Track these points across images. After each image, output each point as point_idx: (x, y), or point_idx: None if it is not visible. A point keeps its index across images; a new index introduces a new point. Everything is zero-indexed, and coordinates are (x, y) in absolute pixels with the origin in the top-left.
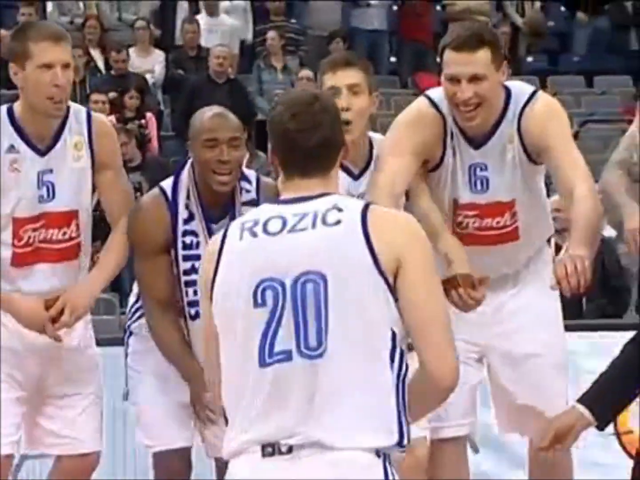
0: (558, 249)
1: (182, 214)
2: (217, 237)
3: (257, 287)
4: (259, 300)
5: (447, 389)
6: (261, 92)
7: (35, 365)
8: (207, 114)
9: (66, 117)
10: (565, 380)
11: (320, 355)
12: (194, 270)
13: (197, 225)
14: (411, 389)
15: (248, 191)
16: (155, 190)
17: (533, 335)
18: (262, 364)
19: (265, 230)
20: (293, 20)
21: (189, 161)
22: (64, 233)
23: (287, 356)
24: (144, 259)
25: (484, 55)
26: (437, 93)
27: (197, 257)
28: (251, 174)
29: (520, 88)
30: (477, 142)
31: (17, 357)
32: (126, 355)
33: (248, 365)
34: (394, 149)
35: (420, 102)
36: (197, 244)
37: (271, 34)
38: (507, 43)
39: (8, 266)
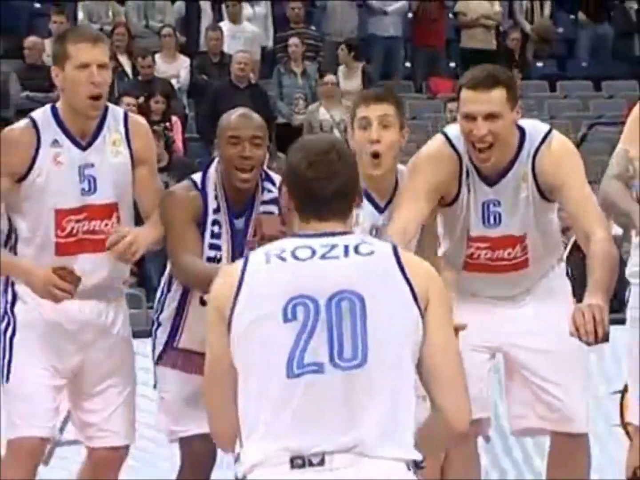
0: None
1: (212, 203)
2: (235, 265)
3: (287, 304)
4: (289, 316)
5: (461, 434)
6: (281, 97)
7: (74, 352)
8: (233, 114)
9: (105, 115)
10: (583, 380)
11: (358, 366)
12: (215, 260)
13: (222, 217)
14: (423, 431)
15: (270, 191)
16: (186, 181)
17: (546, 337)
18: (291, 375)
19: (294, 256)
20: (312, 28)
21: (216, 159)
22: (106, 224)
23: (319, 368)
24: (174, 235)
25: (499, 94)
26: (454, 131)
27: (219, 248)
28: (275, 176)
29: (535, 127)
30: (491, 180)
31: (56, 346)
32: (154, 346)
33: (273, 377)
34: (411, 193)
35: (438, 141)
36: (220, 235)
37: (293, 40)
38: (518, 49)
39: (53, 256)
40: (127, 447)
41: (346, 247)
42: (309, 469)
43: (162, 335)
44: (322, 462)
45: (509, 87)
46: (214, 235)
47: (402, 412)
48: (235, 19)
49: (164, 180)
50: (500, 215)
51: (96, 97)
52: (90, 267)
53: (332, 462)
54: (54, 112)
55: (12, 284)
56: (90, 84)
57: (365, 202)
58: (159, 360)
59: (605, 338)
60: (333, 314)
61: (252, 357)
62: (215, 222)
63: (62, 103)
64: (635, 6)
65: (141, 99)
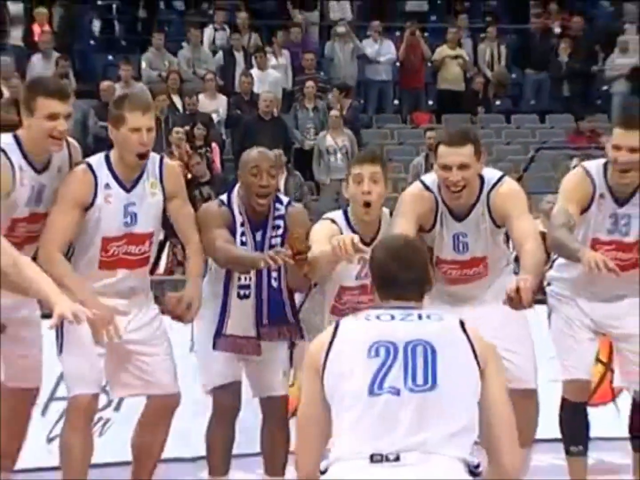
0: None
1: (238, 218)
2: (329, 330)
3: (371, 346)
4: (372, 354)
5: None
6: (297, 126)
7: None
8: (253, 151)
9: (145, 163)
10: (531, 349)
11: (429, 390)
12: None
13: (246, 230)
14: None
15: (277, 209)
16: (216, 200)
17: (503, 319)
18: (371, 394)
19: (377, 318)
20: (321, 73)
21: (237, 185)
22: (140, 249)
23: (396, 391)
24: (212, 233)
25: (468, 149)
26: (429, 179)
27: None
28: (284, 198)
29: (492, 175)
30: (459, 217)
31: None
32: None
33: (357, 396)
34: (402, 219)
35: (418, 185)
36: (246, 243)
37: (309, 83)
38: (481, 90)
39: (96, 269)
40: (178, 395)
41: (420, 315)
42: (385, 463)
43: (210, 326)
44: (397, 459)
45: (476, 144)
46: (242, 244)
47: (463, 426)
48: (262, 67)
49: (206, 192)
50: (467, 244)
51: (143, 155)
52: (123, 277)
53: (405, 459)
54: (107, 160)
55: None
56: (139, 144)
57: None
58: (214, 347)
59: (530, 305)
60: (409, 353)
61: (341, 389)
62: (242, 234)
63: (114, 154)
64: (566, 59)
65: (187, 128)
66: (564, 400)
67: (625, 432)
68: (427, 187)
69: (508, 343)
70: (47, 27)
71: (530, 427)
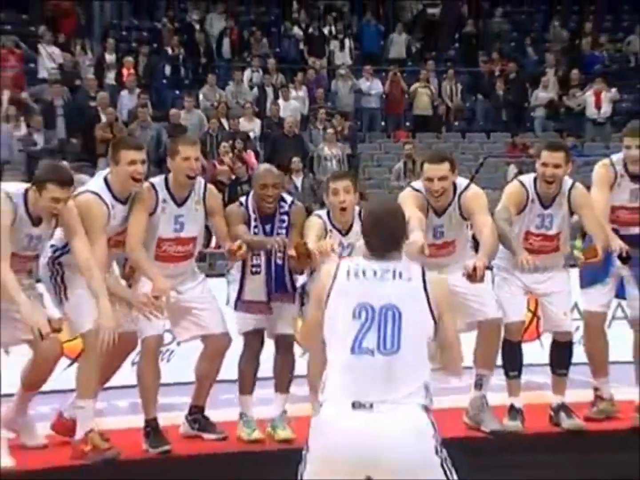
0: None
1: (252, 215)
2: (332, 266)
3: (356, 308)
4: (356, 315)
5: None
6: (311, 141)
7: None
8: (261, 169)
9: (193, 185)
10: (492, 294)
11: (396, 352)
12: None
13: (258, 224)
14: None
15: (282, 207)
16: (237, 202)
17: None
18: (353, 352)
19: (364, 274)
20: (328, 103)
21: (252, 192)
22: (186, 249)
23: (371, 352)
24: (234, 225)
25: (446, 166)
26: (417, 185)
27: None
28: (288, 198)
29: (462, 182)
30: (439, 212)
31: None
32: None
33: (343, 351)
34: (412, 207)
35: (410, 189)
36: (257, 233)
37: (320, 110)
38: (444, 114)
39: (153, 260)
40: (228, 336)
41: (394, 272)
42: (363, 410)
43: (234, 293)
44: (371, 407)
45: (451, 161)
46: (255, 234)
47: (419, 380)
48: (286, 98)
49: (245, 189)
50: (443, 232)
51: (192, 177)
52: (173, 267)
53: (378, 407)
54: (166, 182)
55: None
56: (189, 169)
57: (335, 232)
58: (235, 308)
59: (482, 280)
60: (382, 318)
61: (335, 335)
62: (255, 227)
63: (170, 177)
64: (503, 93)
65: (231, 142)
66: (505, 340)
67: (546, 360)
68: (417, 190)
69: (473, 289)
70: (132, 71)
71: (493, 349)
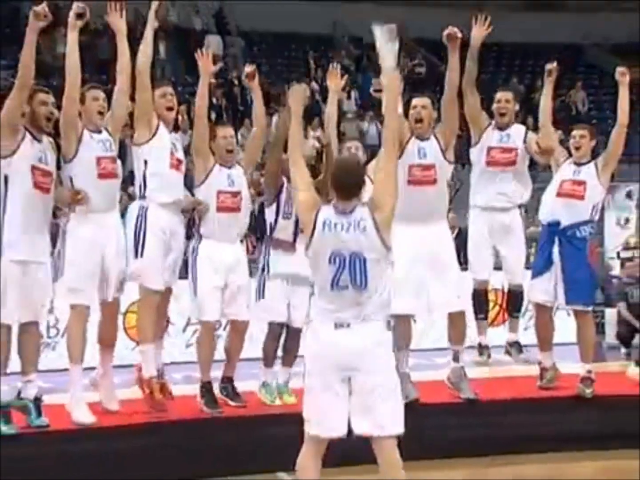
0: None
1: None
2: (313, 213)
3: (331, 255)
4: (332, 261)
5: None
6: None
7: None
8: None
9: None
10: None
11: (364, 288)
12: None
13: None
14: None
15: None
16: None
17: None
18: (332, 289)
19: (335, 227)
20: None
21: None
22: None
23: (346, 287)
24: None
25: (427, 100)
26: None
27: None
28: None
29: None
30: (422, 139)
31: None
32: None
33: (326, 286)
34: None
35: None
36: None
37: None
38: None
39: (215, 211)
40: (247, 322)
41: (357, 224)
42: (342, 328)
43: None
44: (349, 325)
45: (431, 98)
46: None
47: (382, 304)
48: (306, 137)
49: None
50: (426, 153)
51: (230, 152)
52: (230, 217)
53: (353, 325)
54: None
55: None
56: (229, 144)
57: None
58: (266, 246)
59: None
60: (351, 263)
61: (318, 276)
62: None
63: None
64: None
65: (258, 172)
66: (474, 290)
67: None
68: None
69: (442, 278)
70: (185, 117)
71: (461, 331)
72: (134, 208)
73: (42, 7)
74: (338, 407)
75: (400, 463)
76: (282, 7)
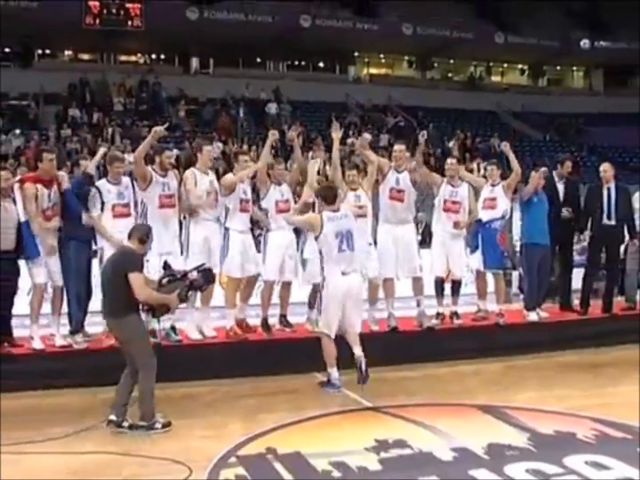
0: None
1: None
2: (319, 217)
3: (336, 234)
4: (337, 238)
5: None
6: None
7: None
8: None
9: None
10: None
11: (353, 250)
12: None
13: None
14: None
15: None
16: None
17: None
18: (339, 252)
19: (334, 220)
20: None
21: None
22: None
23: (345, 250)
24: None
25: (404, 146)
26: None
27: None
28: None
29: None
30: (398, 171)
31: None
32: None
33: (333, 252)
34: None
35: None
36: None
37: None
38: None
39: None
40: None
41: (345, 215)
42: (346, 275)
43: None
44: (349, 274)
45: (407, 144)
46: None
47: (361, 261)
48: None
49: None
50: (399, 181)
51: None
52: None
53: (351, 273)
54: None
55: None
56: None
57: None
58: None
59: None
60: (346, 237)
61: (328, 247)
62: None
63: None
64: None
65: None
66: (435, 278)
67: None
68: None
69: (409, 246)
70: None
71: (420, 286)
72: None
73: (161, 130)
74: (339, 316)
75: (358, 340)
76: (312, 85)
